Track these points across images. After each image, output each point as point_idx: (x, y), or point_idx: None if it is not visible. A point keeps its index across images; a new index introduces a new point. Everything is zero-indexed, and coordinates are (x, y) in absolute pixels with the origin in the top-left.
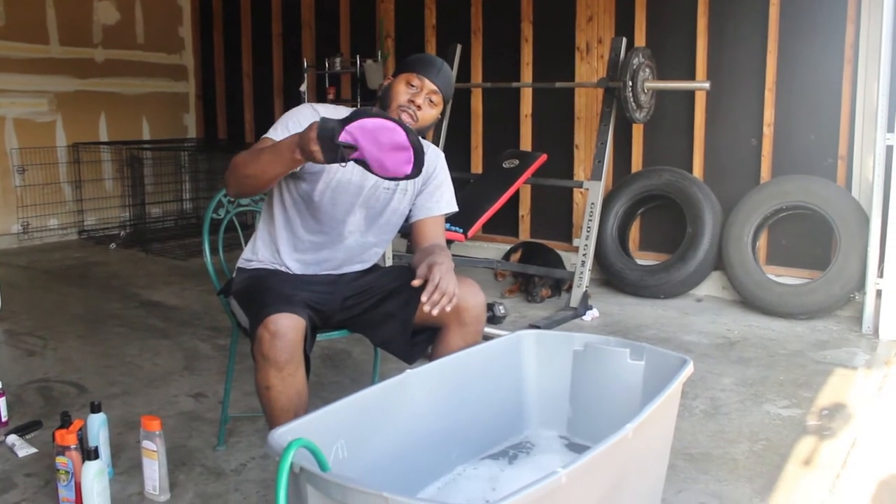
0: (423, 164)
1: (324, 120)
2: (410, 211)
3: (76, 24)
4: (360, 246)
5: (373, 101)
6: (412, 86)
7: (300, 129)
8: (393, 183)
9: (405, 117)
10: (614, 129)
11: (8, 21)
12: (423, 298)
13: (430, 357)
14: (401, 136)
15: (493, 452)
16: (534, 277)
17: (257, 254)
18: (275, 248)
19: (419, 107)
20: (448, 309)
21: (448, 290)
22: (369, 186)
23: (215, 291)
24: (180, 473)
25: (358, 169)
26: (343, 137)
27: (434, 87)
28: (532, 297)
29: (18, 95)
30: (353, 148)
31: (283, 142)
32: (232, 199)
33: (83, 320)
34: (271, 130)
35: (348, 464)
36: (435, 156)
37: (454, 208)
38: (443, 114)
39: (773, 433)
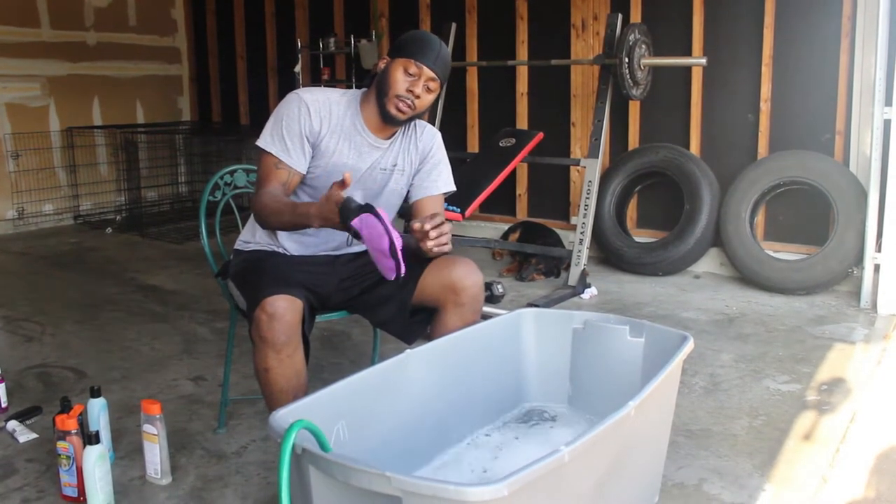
0: (401, 273)
1: (345, 206)
2: (409, 191)
3: (67, 7)
4: None
5: (368, 81)
6: (410, 74)
7: (292, 132)
8: (390, 164)
9: (403, 106)
10: (611, 107)
11: None
12: (428, 230)
13: (429, 337)
14: (386, 246)
15: (494, 426)
16: (530, 258)
17: (255, 235)
18: (271, 229)
19: (418, 96)
20: (447, 248)
21: (446, 234)
22: (366, 168)
23: (213, 274)
24: (181, 457)
25: (354, 151)
26: (355, 223)
27: (432, 75)
28: (521, 277)
29: (10, 80)
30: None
31: (305, 212)
32: (228, 182)
33: (80, 305)
34: (269, 139)
35: (349, 445)
36: (431, 135)
37: (452, 188)
38: (439, 94)
39: (772, 408)
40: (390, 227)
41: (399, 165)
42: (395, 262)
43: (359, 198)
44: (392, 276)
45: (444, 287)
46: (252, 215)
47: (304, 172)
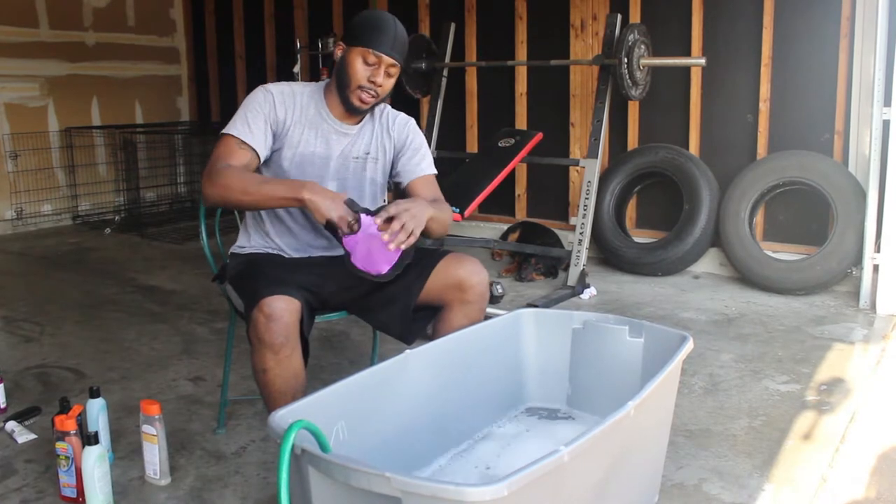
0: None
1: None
2: (399, 177)
3: (66, 7)
4: None
5: (330, 68)
6: (368, 63)
7: (256, 117)
8: (362, 151)
9: (366, 97)
10: (610, 107)
11: None
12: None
13: (432, 336)
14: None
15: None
16: (529, 258)
17: (250, 240)
18: (264, 232)
19: (380, 84)
20: (404, 246)
21: (407, 228)
22: (336, 155)
23: (212, 275)
24: (181, 457)
25: (321, 140)
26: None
27: (392, 61)
28: (520, 277)
29: (9, 80)
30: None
31: (281, 188)
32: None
33: (80, 306)
34: (232, 125)
35: (349, 445)
36: (404, 123)
37: (434, 171)
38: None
39: (772, 409)
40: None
41: (372, 154)
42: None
43: (334, 189)
44: (386, 269)
45: (451, 285)
46: (247, 222)
47: (262, 159)
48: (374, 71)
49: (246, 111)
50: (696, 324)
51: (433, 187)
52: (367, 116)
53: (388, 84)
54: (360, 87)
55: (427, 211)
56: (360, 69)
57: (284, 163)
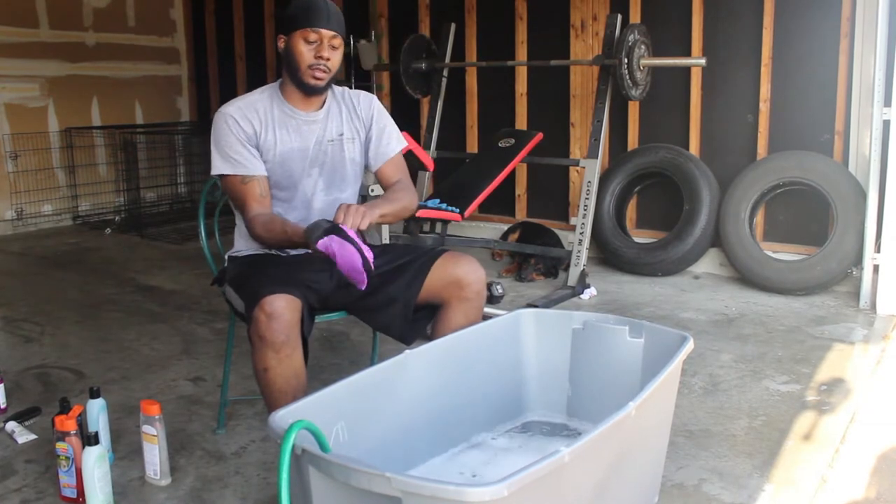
0: (369, 274)
1: (313, 229)
2: (369, 161)
3: (66, 7)
4: (330, 205)
5: (279, 68)
6: (311, 42)
7: (233, 146)
8: (335, 133)
9: (319, 73)
10: (610, 107)
11: None
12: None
13: (431, 335)
14: (359, 263)
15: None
16: (529, 258)
17: (247, 243)
18: None
19: (328, 59)
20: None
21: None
22: (313, 144)
23: (212, 275)
24: (181, 457)
25: (294, 134)
26: (323, 244)
27: (332, 33)
28: (520, 277)
29: (9, 80)
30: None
31: (301, 242)
32: None
33: (80, 306)
34: (221, 164)
35: (348, 446)
36: (368, 101)
37: (404, 144)
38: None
39: (772, 409)
40: (360, 243)
41: (347, 134)
42: (366, 274)
43: (317, 175)
44: (363, 287)
45: (450, 283)
46: (239, 228)
47: (266, 172)
48: (317, 48)
49: (222, 146)
50: (696, 324)
51: (400, 168)
52: (330, 98)
53: (336, 57)
54: (311, 66)
55: (376, 211)
56: (304, 50)
57: (270, 164)
